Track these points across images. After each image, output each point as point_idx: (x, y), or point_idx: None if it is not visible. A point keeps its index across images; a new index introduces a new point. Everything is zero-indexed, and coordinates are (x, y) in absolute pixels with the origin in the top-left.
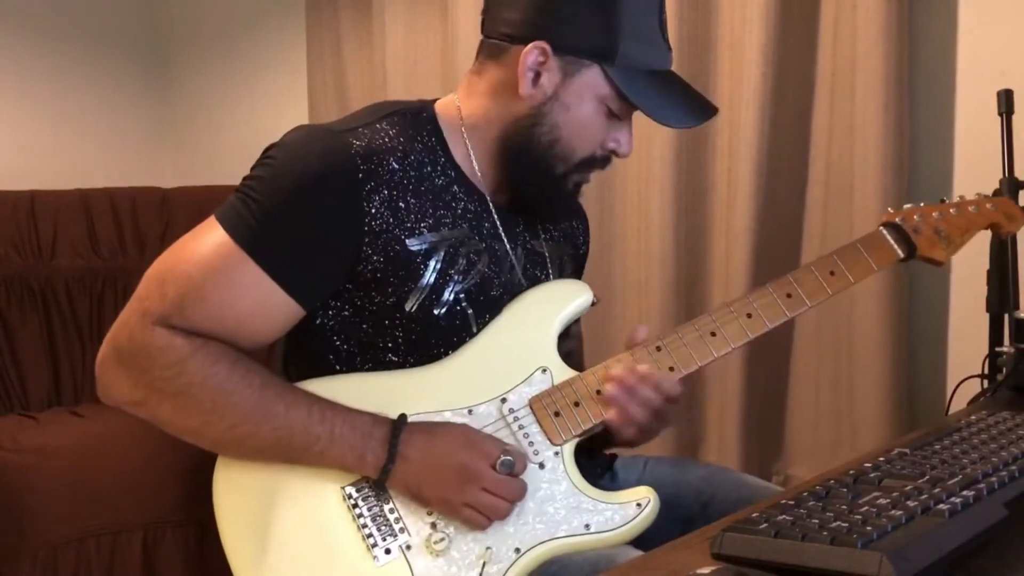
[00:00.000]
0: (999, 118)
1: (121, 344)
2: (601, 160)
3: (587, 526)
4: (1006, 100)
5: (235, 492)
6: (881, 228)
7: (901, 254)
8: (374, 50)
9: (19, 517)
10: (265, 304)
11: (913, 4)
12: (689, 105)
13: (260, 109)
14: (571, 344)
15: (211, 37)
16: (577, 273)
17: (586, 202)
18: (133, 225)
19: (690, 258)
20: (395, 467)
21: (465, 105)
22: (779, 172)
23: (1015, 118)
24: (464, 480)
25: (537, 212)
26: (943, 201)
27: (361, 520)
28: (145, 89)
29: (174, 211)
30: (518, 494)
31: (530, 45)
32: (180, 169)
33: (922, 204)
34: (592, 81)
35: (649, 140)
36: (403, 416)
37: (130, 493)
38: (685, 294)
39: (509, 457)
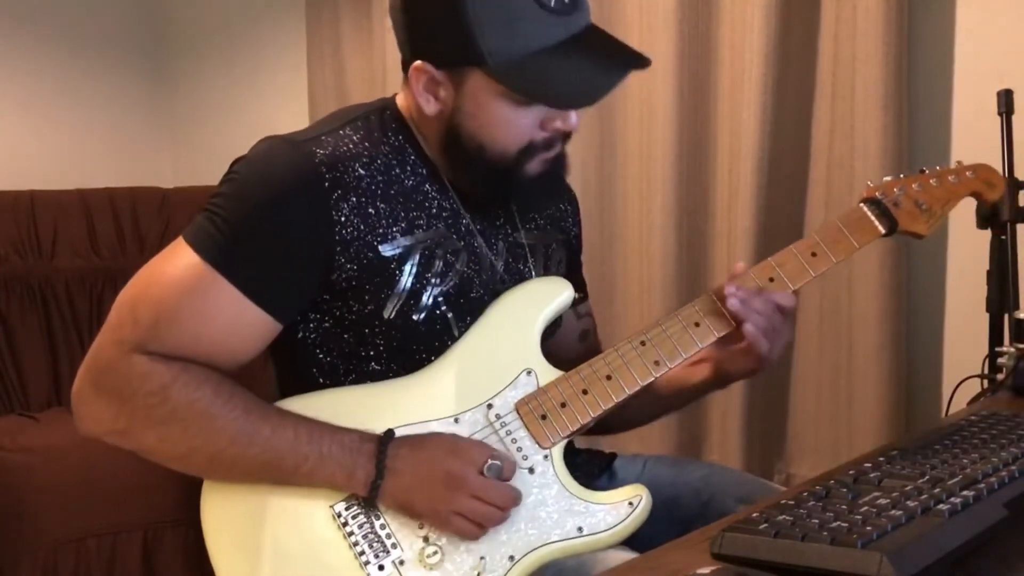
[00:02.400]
0: (998, 118)
1: (99, 374)
2: (545, 142)
3: (580, 529)
4: (1006, 100)
5: (223, 513)
6: (861, 204)
7: (882, 230)
8: (374, 50)
9: (19, 517)
10: (240, 321)
11: (912, 5)
12: (603, 69)
13: (260, 109)
14: (585, 324)
15: (211, 37)
16: (572, 259)
17: (587, 201)
18: (133, 225)
19: (691, 258)
20: (384, 482)
21: (412, 111)
22: (780, 172)
23: (1015, 118)
24: (451, 488)
25: (518, 205)
26: (923, 171)
27: (352, 538)
28: (145, 89)
29: (174, 211)
30: (509, 500)
31: (412, 68)
32: (180, 169)
33: (902, 176)
34: (479, 84)
35: (651, 141)
36: (390, 431)
37: (130, 493)
38: (686, 294)
39: (497, 462)
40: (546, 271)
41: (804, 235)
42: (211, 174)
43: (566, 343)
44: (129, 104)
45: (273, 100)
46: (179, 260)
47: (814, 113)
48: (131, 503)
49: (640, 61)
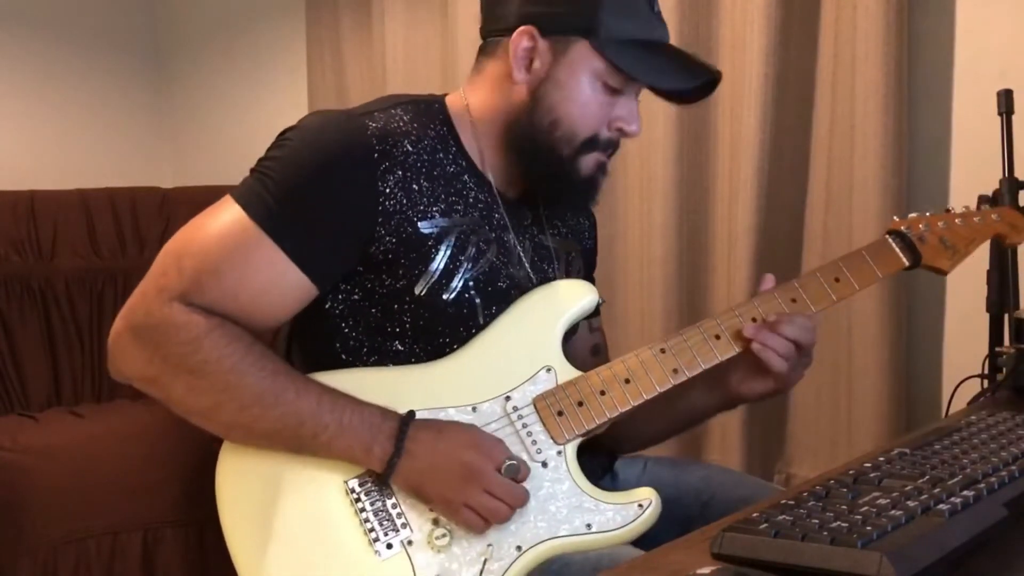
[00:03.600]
0: (998, 118)
1: (137, 319)
2: (606, 141)
3: (588, 526)
4: (1006, 100)
5: (238, 482)
6: (887, 236)
7: (907, 262)
8: (374, 50)
9: (19, 517)
10: (280, 281)
11: (913, 4)
12: (687, 71)
13: (260, 109)
14: (596, 338)
15: (211, 37)
16: (588, 269)
17: None
18: (133, 225)
19: (692, 258)
20: (400, 462)
21: (471, 100)
22: (780, 172)
23: (1015, 118)
24: (467, 480)
25: (551, 200)
26: (948, 211)
27: (364, 514)
28: (145, 89)
29: (174, 211)
30: (520, 500)
31: (517, 31)
32: (180, 169)
33: (927, 213)
34: (582, 55)
35: (651, 141)
36: (411, 412)
37: (130, 493)
38: (687, 294)
39: (514, 462)
40: (567, 275)
41: (804, 236)
42: (211, 174)
43: (579, 356)
44: (129, 104)
45: (273, 100)
46: (226, 215)
47: (814, 113)
48: (131, 503)
49: (713, 71)
